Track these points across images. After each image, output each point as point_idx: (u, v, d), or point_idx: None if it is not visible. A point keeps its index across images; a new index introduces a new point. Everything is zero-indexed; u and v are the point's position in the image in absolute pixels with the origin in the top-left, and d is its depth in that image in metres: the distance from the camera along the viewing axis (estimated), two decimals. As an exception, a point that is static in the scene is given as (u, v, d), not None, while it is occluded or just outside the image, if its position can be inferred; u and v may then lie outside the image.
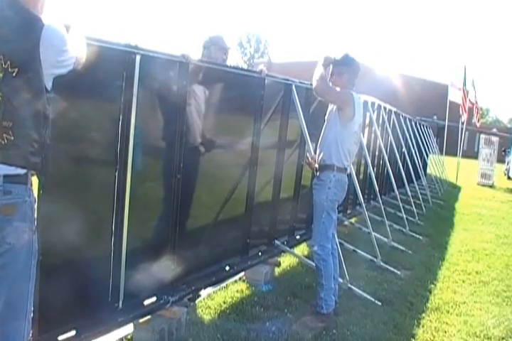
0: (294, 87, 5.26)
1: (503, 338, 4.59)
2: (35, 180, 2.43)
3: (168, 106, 3.75)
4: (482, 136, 22.83)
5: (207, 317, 4.27)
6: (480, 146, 22.02)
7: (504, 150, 26.67)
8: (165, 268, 3.79)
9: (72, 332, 2.98)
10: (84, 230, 2.97)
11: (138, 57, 3.18)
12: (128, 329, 3.60)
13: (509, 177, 23.16)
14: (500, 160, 25.36)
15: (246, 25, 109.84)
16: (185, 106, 3.79)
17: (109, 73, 3.15)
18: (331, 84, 4.57)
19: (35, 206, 2.38)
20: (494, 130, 46.01)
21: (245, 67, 59.95)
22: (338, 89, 4.49)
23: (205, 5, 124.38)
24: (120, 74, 3.15)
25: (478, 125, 24.00)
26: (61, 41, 2.28)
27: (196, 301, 4.29)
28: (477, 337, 4.54)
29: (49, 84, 2.28)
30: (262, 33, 75.36)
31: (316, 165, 4.51)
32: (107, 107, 3.26)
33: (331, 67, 4.57)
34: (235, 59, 71.88)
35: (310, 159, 4.63)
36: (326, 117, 4.66)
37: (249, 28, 75.91)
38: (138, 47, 3.21)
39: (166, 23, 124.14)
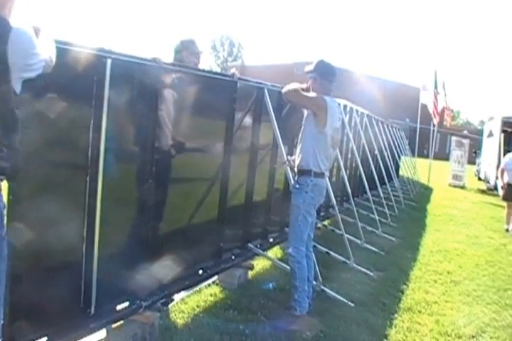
0: (266, 90, 5.27)
1: (473, 336, 4.67)
2: (4, 186, 2.40)
3: (140, 110, 3.74)
4: (453, 138, 23.18)
5: (180, 322, 4.25)
6: (451, 148, 22.33)
7: (475, 152, 27.10)
8: (137, 272, 3.76)
9: (44, 339, 2.95)
10: (55, 235, 2.95)
11: (109, 61, 3.17)
12: (100, 335, 3.56)
13: (480, 179, 23.50)
14: (471, 161, 25.77)
15: (220, 28, 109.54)
16: (157, 110, 3.78)
17: (80, 77, 3.12)
18: (310, 89, 4.63)
19: (5, 212, 2.34)
20: (465, 132, 46.72)
21: (219, 70, 60.00)
22: (313, 94, 4.53)
23: (179, 8, 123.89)
24: (91, 78, 3.14)
25: (449, 125, 24.30)
26: (30, 44, 2.24)
27: (169, 305, 4.27)
28: (448, 336, 4.61)
29: (18, 88, 2.24)
30: (235, 36, 75.43)
31: (295, 170, 4.56)
32: (78, 111, 3.22)
33: (308, 74, 4.62)
34: (208, 62, 71.94)
35: (292, 162, 4.70)
36: (303, 122, 4.69)
37: (223, 31, 76.01)
38: (109, 51, 3.19)
39: (138, 27, 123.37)
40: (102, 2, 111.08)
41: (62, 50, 2.67)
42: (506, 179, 10.62)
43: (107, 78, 3.18)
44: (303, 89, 4.61)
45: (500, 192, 11.39)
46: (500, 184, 11.33)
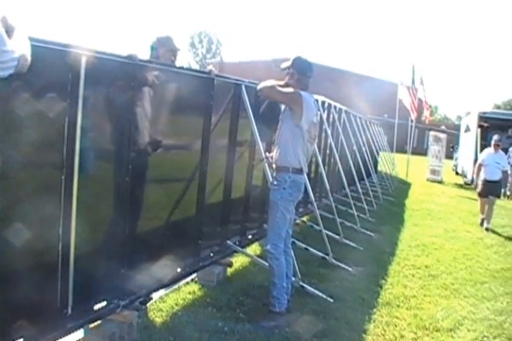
0: (243, 86, 5.27)
1: (451, 329, 4.73)
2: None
3: (116, 108, 3.70)
4: (431, 133, 23.38)
5: (159, 320, 4.23)
6: (429, 143, 22.53)
7: (452, 147, 27.39)
8: (115, 271, 3.74)
9: (20, 341, 2.91)
10: (30, 235, 2.91)
11: (84, 58, 3.13)
12: (78, 335, 3.53)
13: (457, 173, 23.77)
14: (449, 156, 26.04)
15: (198, 25, 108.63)
16: (133, 108, 3.76)
17: (55, 75, 3.09)
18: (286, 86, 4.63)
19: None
20: (443, 127, 47.16)
21: (197, 67, 59.79)
22: (288, 89, 4.54)
23: (157, 5, 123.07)
24: (65, 75, 3.10)
25: (427, 121, 24.49)
26: None
27: (148, 304, 4.26)
28: (426, 329, 4.66)
29: None
30: (214, 33, 74.90)
31: (273, 166, 4.58)
32: (53, 109, 3.17)
33: (285, 70, 4.62)
34: (186, 59, 71.60)
35: (270, 159, 4.71)
36: (280, 117, 4.70)
37: (202, 28, 75.51)
38: (83, 48, 3.15)
39: (114, 23, 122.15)
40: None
41: (36, 48, 2.63)
42: (483, 175, 10.50)
43: (81, 76, 3.14)
44: (280, 86, 4.61)
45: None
46: (477, 179, 11.09)
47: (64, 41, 3.06)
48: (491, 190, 10.36)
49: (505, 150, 18.96)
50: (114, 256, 3.75)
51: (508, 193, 16.09)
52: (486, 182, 10.41)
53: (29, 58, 2.37)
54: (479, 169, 10.73)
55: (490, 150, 10.77)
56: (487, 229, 10.11)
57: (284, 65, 4.65)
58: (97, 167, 3.72)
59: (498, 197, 10.74)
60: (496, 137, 10.79)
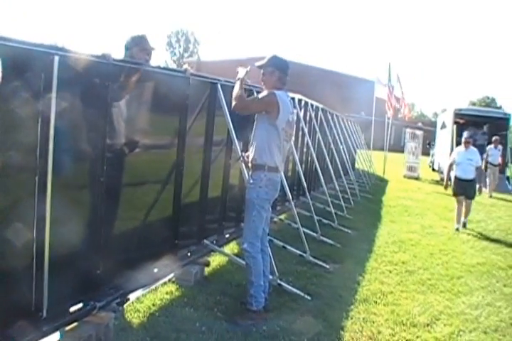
0: (219, 85, 5.26)
1: (427, 324, 4.79)
2: None
3: (90, 108, 3.67)
4: (407, 130, 23.60)
5: (136, 321, 4.22)
6: (405, 140, 22.75)
7: (429, 143, 27.71)
8: (91, 272, 3.72)
9: (-7, 345, 2.89)
10: (4, 236, 2.88)
11: (56, 58, 3.09)
12: (54, 337, 3.48)
13: (434, 170, 24.04)
14: (426, 153, 26.31)
15: (175, 24, 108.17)
16: (107, 108, 3.73)
17: (27, 75, 3.05)
18: (262, 83, 4.67)
19: None
20: (419, 124, 47.62)
21: (175, 66, 59.48)
22: (261, 94, 4.54)
23: (134, 4, 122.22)
24: (38, 75, 3.06)
25: (406, 119, 24.74)
26: None
27: (124, 305, 4.23)
28: (404, 325, 4.72)
29: None
30: (191, 32, 74.68)
31: (250, 164, 4.59)
32: (25, 110, 3.14)
33: (262, 69, 4.62)
34: (164, 59, 71.30)
35: (246, 158, 4.71)
36: (255, 117, 4.70)
37: (179, 27, 75.22)
38: (56, 47, 3.13)
39: (90, 23, 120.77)
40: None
41: (7, 47, 2.60)
42: (455, 173, 10.09)
43: (54, 75, 3.10)
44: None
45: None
46: (445, 177, 10.81)
47: (37, 41, 3.03)
48: (464, 190, 9.91)
49: (482, 147, 19.29)
50: (90, 257, 3.72)
51: (484, 189, 16.29)
52: (459, 180, 9.98)
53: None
54: (450, 168, 10.38)
55: (461, 148, 10.34)
56: (464, 226, 9.96)
57: (259, 63, 4.65)
58: (72, 167, 3.69)
59: (473, 198, 10.09)
60: (466, 134, 10.41)
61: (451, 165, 10.29)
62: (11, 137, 3.02)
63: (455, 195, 10.13)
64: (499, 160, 16.95)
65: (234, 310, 4.55)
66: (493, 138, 17.01)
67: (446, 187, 10.65)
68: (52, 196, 3.19)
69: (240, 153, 5.04)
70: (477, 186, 10.11)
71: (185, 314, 4.38)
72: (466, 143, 10.08)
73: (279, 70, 4.60)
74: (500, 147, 17.06)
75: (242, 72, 4.78)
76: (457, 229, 9.80)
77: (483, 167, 17.14)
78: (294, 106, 7.82)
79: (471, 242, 8.78)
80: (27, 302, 3.20)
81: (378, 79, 21.61)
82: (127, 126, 4.20)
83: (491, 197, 16.15)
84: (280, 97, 4.51)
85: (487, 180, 16.51)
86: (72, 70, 3.30)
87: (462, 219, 10.00)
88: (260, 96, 4.57)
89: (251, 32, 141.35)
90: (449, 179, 10.50)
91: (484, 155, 18.27)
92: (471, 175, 9.87)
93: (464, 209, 10.00)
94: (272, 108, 4.47)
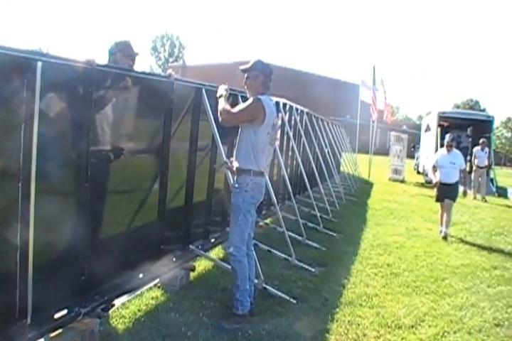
0: (204, 90, 5.27)
1: (412, 326, 4.83)
2: None
3: (74, 114, 3.67)
4: (392, 133, 23.74)
5: (121, 327, 4.21)
6: (390, 143, 22.88)
7: (414, 146, 27.90)
8: (75, 278, 3.71)
9: (-24, 352, 2.87)
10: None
11: (39, 64, 3.08)
12: (39, 344, 3.49)
13: (419, 172, 24.23)
14: (411, 156, 26.48)
15: (160, 28, 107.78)
16: (91, 113, 3.73)
17: (9, 81, 3.05)
18: (246, 87, 4.68)
19: None
20: (404, 127, 47.98)
21: (160, 71, 59.35)
22: (247, 103, 4.57)
23: (118, 9, 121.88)
24: (21, 81, 3.05)
25: (389, 122, 24.85)
26: None
27: (110, 311, 4.21)
28: (389, 327, 4.75)
29: None
30: (177, 36, 74.61)
31: (235, 169, 4.60)
32: (8, 116, 3.14)
33: (246, 73, 4.64)
34: (149, 63, 71.21)
35: (229, 163, 4.72)
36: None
37: (164, 32, 75.16)
38: (39, 53, 3.12)
39: (74, 28, 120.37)
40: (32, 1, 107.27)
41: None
42: (438, 177, 9.74)
43: (37, 81, 3.10)
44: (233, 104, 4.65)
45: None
46: (433, 180, 10.17)
47: (20, 46, 3.02)
48: (446, 194, 9.62)
49: (466, 149, 19.44)
50: (75, 262, 3.71)
51: (468, 191, 16.41)
52: (441, 185, 9.67)
53: None
54: (434, 170, 10.05)
55: (443, 150, 10.03)
56: (445, 238, 9.28)
57: (243, 67, 4.67)
58: (56, 173, 3.67)
59: (454, 200, 9.77)
60: (447, 137, 10.07)
61: (434, 168, 9.99)
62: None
63: (438, 200, 9.86)
64: (486, 162, 17.01)
65: (220, 314, 4.56)
66: (481, 141, 17.05)
67: (436, 185, 10.08)
68: (36, 202, 3.18)
69: (224, 158, 5.05)
70: (461, 189, 10.11)
71: (171, 319, 4.38)
72: (449, 146, 9.81)
73: (262, 74, 4.62)
74: (487, 149, 17.14)
75: (222, 89, 4.79)
76: (444, 235, 9.38)
77: (468, 169, 17.32)
78: (279, 111, 7.91)
79: (455, 244, 8.85)
80: (11, 308, 3.18)
81: (363, 83, 21.70)
82: (112, 132, 4.19)
83: (485, 201, 16.20)
84: (265, 102, 4.53)
85: (472, 182, 16.62)
86: (55, 76, 3.29)
87: (444, 229, 9.48)
88: (245, 104, 4.58)
89: (237, 36, 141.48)
90: (429, 181, 10.62)
91: (469, 158, 18.45)
92: (453, 178, 9.61)
93: (445, 215, 9.60)
94: (259, 114, 4.49)
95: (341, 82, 49.10)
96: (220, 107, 4.60)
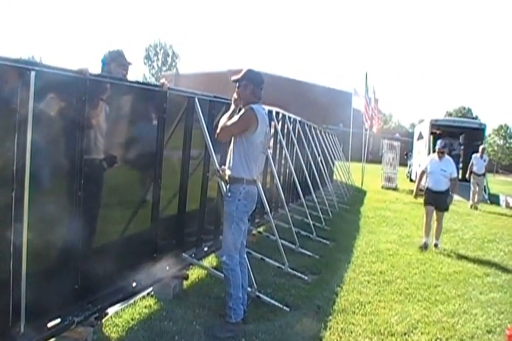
0: (196, 99, 5.30)
1: (405, 333, 4.84)
2: None
3: (67, 123, 3.70)
4: (385, 141, 23.83)
5: (114, 336, 4.20)
6: (383, 151, 22.96)
7: (406, 154, 28.03)
8: (68, 287, 3.71)
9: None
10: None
11: (33, 73, 3.11)
12: (32, 353, 3.48)
13: (411, 180, 24.28)
14: (403, 163, 26.57)
15: (153, 37, 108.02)
16: (84, 123, 3.75)
17: (3, 90, 3.07)
18: (236, 95, 4.69)
19: None
20: (397, 135, 48.16)
21: (153, 80, 59.36)
22: (240, 114, 4.59)
23: (111, 18, 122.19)
24: (14, 90, 3.07)
25: (375, 131, 24.85)
26: None
27: (103, 320, 4.22)
28: (381, 334, 4.76)
29: None
30: (170, 45, 74.65)
31: (227, 178, 4.61)
32: (1, 125, 3.16)
33: (237, 83, 4.66)
34: (142, 72, 71.27)
35: (221, 172, 4.74)
36: None
37: (157, 41, 75.18)
38: (32, 62, 3.15)
39: (67, 36, 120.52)
40: (25, 7, 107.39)
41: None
42: (427, 183, 9.41)
43: (31, 91, 3.12)
44: (234, 111, 4.68)
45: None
46: (415, 186, 9.95)
47: (12, 55, 3.04)
48: (435, 202, 9.21)
49: (458, 157, 19.53)
50: (68, 271, 3.72)
51: (470, 202, 16.38)
52: (430, 191, 9.28)
53: None
54: (421, 177, 9.73)
55: (434, 156, 9.60)
56: (425, 248, 8.88)
57: (234, 78, 4.70)
58: (49, 182, 3.69)
59: (446, 210, 9.43)
60: (439, 144, 9.59)
61: (422, 173, 9.63)
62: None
63: (425, 203, 9.42)
64: (483, 170, 16.79)
65: (213, 322, 4.56)
66: (480, 148, 16.87)
67: (416, 196, 9.86)
68: (29, 211, 3.19)
69: (217, 166, 5.07)
70: (451, 198, 9.30)
71: (164, 328, 4.37)
72: (440, 152, 9.33)
73: (253, 84, 4.64)
74: (486, 157, 17.00)
75: (233, 105, 4.77)
76: (425, 245, 9.01)
77: (466, 176, 17.19)
78: (272, 119, 7.95)
79: (447, 251, 8.87)
80: (4, 317, 3.18)
81: (355, 91, 21.83)
82: (105, 140, 4.21)
83: (476, 208, 16.13)
84: (257, 111, 4.56)
85: (471, 191, 16.51)
86: (48, 85, 3.32)
87: (434, 239, 9.13)
88: (238, 116, 4.58)
89: (229, 45, 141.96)
90: (421, 189, 9.81)
91: (461, 165, 18.51)
92: (443, 186, 9.14)
93: (435, 225, 9.26)
94: (252, 123, 4.51)
95: (334, 90, 49.27)
96: (220, 124, 4.64)
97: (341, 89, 46.44)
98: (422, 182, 9.80)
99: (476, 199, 16.50)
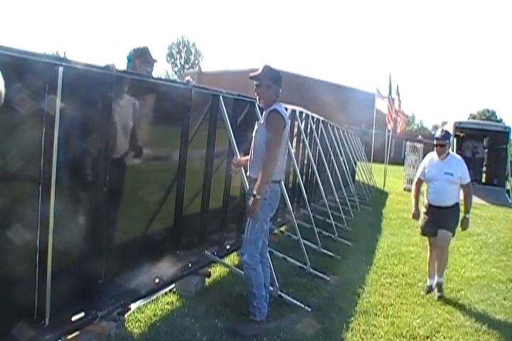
0: (221, 97, 5.29)
1: (427, 337, 4.79)
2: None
3: (93, 119, 3.71)
4: (407, 143, 23.61)
5: (137, 331, 4.23)
6: (405, 153, 22.75)
7: (429, 156, 27.62)
8: (93, 282, 3.73)
9: (-5, 353, 2.90)
10: (7, 246, 2.90)
11: (61, 69, 3.12)
12: (55, 346, 3.51)
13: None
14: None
15: (177, 35, 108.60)
16: (111, 118, 3.76)
17: (31, 85, 3.07)
18: (256, 94, 4.63)
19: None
20: (419, 137, 47.63)
21: (176, 78, 59.65)
22: (274, 128, 4.47)
23: (136, 16, 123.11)
24: (42, 86, 3.08)
25: (398, 133, 24.62)
26: None
27: (126, 315, 4.23)
28: (403, 337, 4.72)
29: None
30: (193, 43, 75.01)
31: (248, 174, 4.60)
32: (29, 121, 3.17)
33: (256, 81, 4.60)
34: (165, 70, 71.71)
35: (235, 167, 4.81)
36: (253, 135, 4.68)
37: (180, 38, 75.61)
38: (61, 58, 3.16)
39: (94, 33, 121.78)
40: (53, 7, 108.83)
41: (12, 58, 2.63)
42: (426, 197, 6.40)
43: (58, 86, 3.13)
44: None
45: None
46: (412, 201, 6.70)
47: (41, 51, 3.06)
48: (438, 224, 6.12)
49: (481, 160, 19.20)
50: (92, 266, 3.74)
51: None
52: (431, 207, 6.27)
53: (3, 91, 2.16)
54: (418, 187, 6.63)
55: (433, 154, 6.38)
56: (429, 290, 6.20)
57: (252, 74, 4.62)
58: (75, 177, 3.71)
59: (452, 231, 6.12)
60: (438, 133, 6.22)
61: (419, 182, 6.63)
62: (16, 146, 3.05)
63: (424, 231, 6.46)
64: None
65: (235, 320, 4.57)
66: None
67: (414, 217, 6.61)
68: (55, 205, 3.20)
69: (237, 158, 5.05)
70: (467, 221, 6.18)
71: (186, 324, 4.39)
72: (439, 146, 6.15)
73: (275, 84, 4.58)
74: None
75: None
76: (430, 288, 6.23)
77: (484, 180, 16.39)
78: (295, 119, 7.94)
79: (470, 255, 8.76)
80: (30, 310, 3.21)
81: (378, 91, 21.64)
82: (131, 137, 4.23)
83: None
84: (282, 112, 4.52)
85: None
86: (75, 81, 3.33)
87: (436, 277, 6.22)
88: (270, 126, 4.47)
89: (252, 43, 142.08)
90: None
91: (484, 169, 17.82)
92: (449, 198, 6.13)
93: (436, 263, 6.30)
94: (282, 126, 4.49)
95: (357, 90, 48.91)
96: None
97: (364, 90, 46.11)
98: (411, 197, 6.80)
99: None
